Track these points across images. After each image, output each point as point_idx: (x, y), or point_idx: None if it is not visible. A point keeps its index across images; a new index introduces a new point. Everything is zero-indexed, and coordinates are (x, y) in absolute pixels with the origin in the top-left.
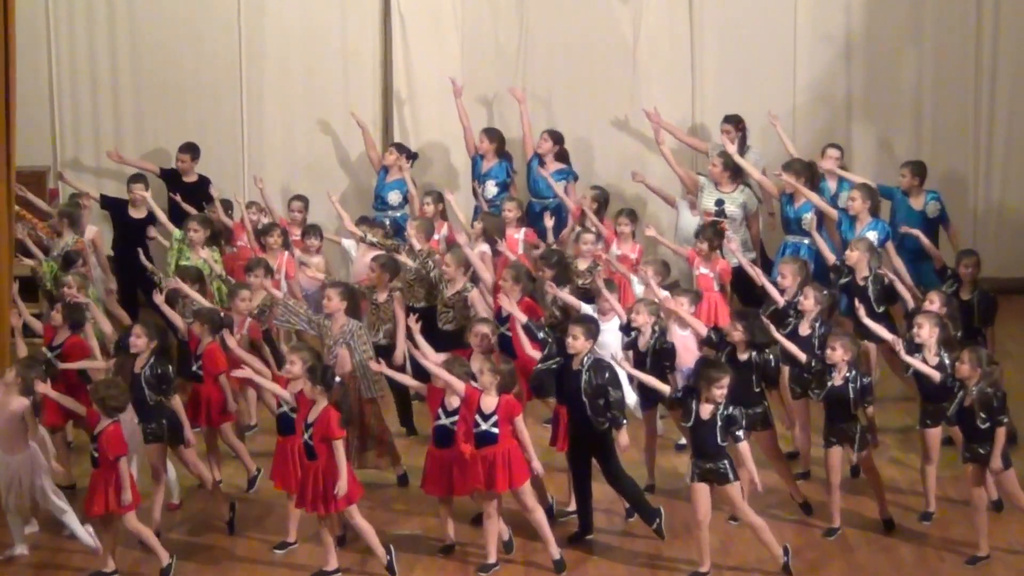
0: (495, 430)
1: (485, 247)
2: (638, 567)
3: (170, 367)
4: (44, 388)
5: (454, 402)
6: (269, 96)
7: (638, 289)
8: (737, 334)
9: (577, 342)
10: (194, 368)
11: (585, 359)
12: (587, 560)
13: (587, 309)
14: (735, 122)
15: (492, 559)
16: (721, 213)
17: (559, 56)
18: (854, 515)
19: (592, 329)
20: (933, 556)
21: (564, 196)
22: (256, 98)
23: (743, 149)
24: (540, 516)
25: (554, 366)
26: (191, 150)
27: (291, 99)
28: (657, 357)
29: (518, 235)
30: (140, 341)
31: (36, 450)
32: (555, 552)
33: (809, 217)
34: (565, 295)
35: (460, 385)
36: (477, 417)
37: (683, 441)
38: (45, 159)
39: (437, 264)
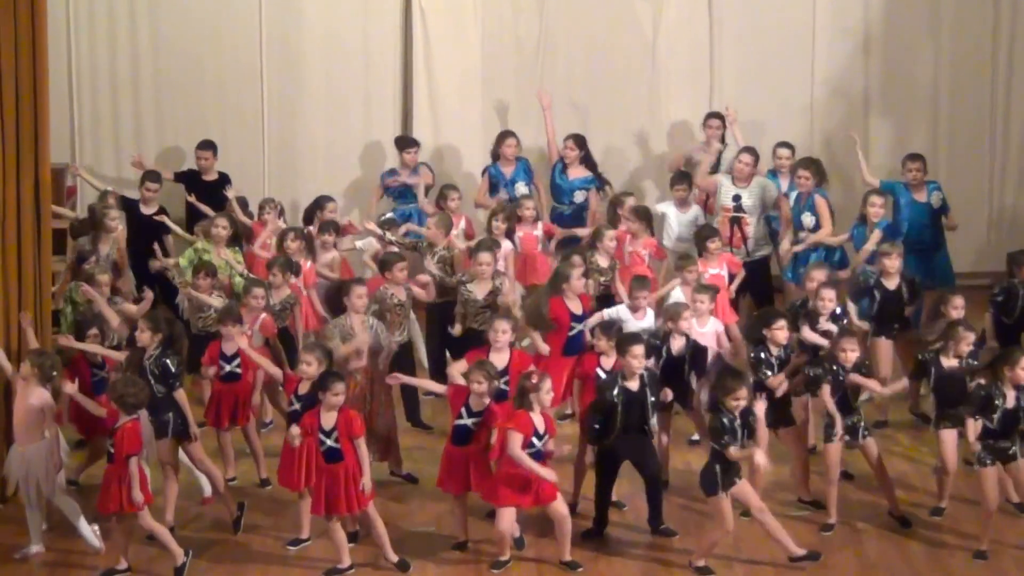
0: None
1: (508, 244)
2: (650, 563)
3: (176, 360)
4: (71, 389)
5: (477, 405)
6: (290, 95)
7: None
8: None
9: (644, 360)
10: (230, 368)
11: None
12: (598, 558)
13: (611, 313)
14: (721, 118)
15: (566, 556)
16: (740, 208)
17: (579, 52)
18: (866, 509)
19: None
20: (943, 551)
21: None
22: (276, 97)
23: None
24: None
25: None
26: (211, 147)
27: (312, 97)
28: (693, 360)
29: (536, 232)
30: (144, 335)
31: (50, 442)
32: (567, 555)
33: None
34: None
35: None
36: (533, 439)
37: (695, 436)
38: (64, 157)
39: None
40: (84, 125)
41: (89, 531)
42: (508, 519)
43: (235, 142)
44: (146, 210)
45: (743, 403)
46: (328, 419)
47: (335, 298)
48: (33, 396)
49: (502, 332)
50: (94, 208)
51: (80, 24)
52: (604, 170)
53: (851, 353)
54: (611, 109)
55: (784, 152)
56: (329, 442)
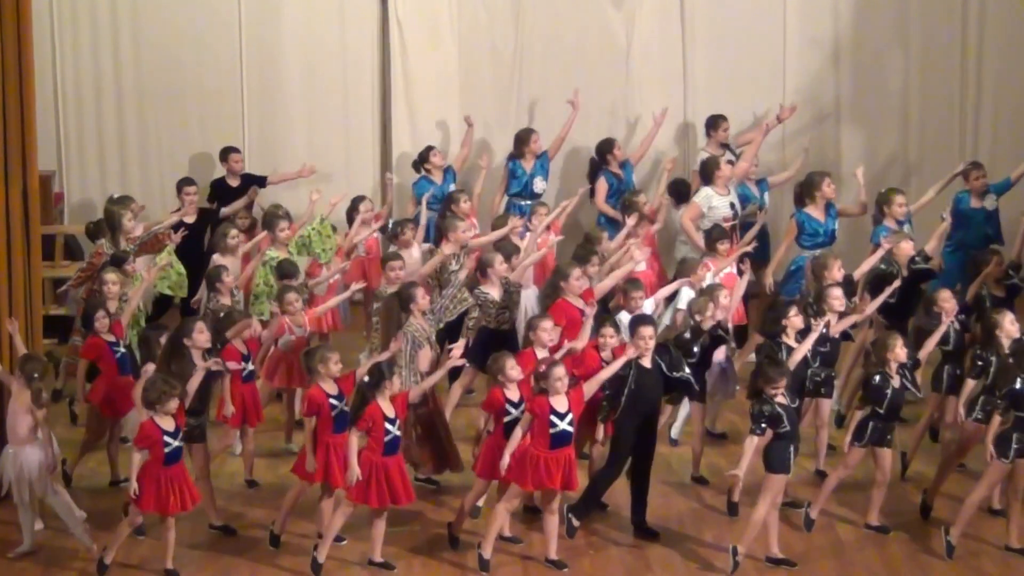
0: (571, 428)
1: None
2: (634, 562)
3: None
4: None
5: (515, 395)
6: (270, 101)
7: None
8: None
9: (653, 341)
10: (250, 368)
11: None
12: (583, 556)
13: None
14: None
15: (552, 555)
16: (737, 214)
17: (554, 60)
18: (847, 511)
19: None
20: (923, 553)
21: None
22: (257, 103)
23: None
24: (556, 519)
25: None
26: (238, 150)
27: (291, 104)
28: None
29: (550, 236)
30: (203, 336)
31: (43, 443)
32: (553, 553)
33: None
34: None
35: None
36: (552, 418)
37: (675, 435)
38: (51, 163)
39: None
40: (69, 132)
41: (83, 531)
42: (517, 501)
43: (216, 147)
44: (187, 218)
45: (776, 391)
46: (389, 407)
47: (396, 304)
48: (25, 398)
49: (549, 330)
50: (111, 210)
51: (64, 32)
52: (580, 176)
53: (901, 351)
54: (586, 116)
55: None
56: (394, 431)
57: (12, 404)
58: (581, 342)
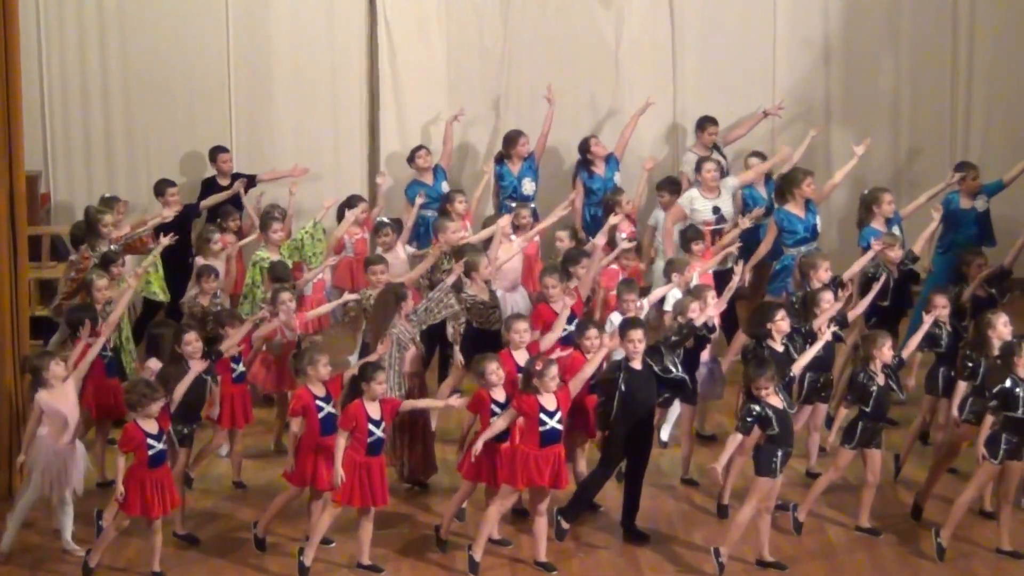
0: (560, 426)
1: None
2: (624, 564)
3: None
4: None
5: (501, 395)
6: (258, 100)
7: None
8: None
9: (642, 344)
10: (240, 369)
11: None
12: (572, 559)
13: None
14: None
15: (542, 557)
16: (722, 219)
17: (543, 60)
18: (837, 513)
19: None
20: (913, 555)
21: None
22: (245, 102)
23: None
24: (545, 521)
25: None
26: (227, 150)
27: (280, 103)
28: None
29: (537, 238)
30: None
31: (76, 447)
32: (542, 555)
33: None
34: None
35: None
36: (542, 416)
37: (664, 437)
38: (37, 164)
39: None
40: (56, 132)
41: (71, 540)
42: (508, 502)
43: (204, 147)
44: (167, 214)
45: (765, 392)
46: (374, 409)
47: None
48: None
49: (523, 332)
50: (90, 213)
51: (51, 31)
52: (566, 176)
53: (887, 351)
54: (574, 116)
55: (755, 161)
56: (378, 432)
57: (63, 405)
58: (554, 333)
